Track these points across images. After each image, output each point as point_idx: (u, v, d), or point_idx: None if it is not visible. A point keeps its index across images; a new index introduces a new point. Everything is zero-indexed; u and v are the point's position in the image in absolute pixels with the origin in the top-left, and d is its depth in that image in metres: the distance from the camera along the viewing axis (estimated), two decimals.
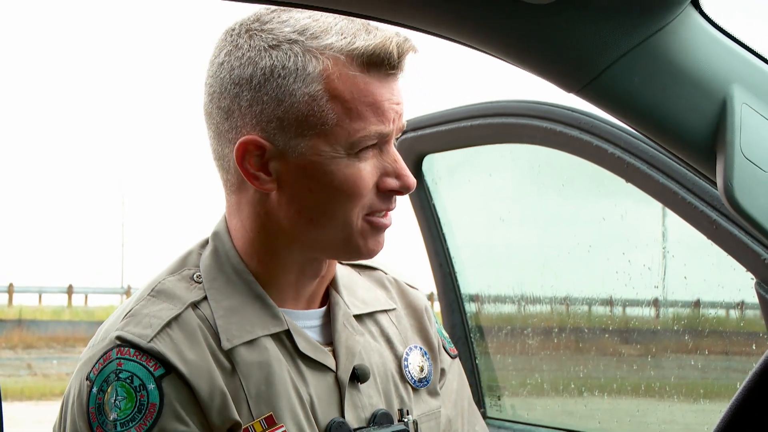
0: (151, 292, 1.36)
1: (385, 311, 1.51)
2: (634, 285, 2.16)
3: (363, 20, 1.29)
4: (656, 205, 1.97)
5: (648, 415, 2.20)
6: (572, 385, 2.40)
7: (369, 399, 1.40)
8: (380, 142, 1.33)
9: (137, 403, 1.26)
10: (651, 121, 1.17)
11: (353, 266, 1.53)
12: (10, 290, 25.07)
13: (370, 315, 1.48)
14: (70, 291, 26.12)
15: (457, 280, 2.52)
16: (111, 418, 1.26)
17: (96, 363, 1.29)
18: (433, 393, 1.50)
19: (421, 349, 1.50)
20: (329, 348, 1.40)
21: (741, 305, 2.02)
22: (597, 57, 1.12)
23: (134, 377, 1.27)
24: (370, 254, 1.39)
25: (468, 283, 2.55)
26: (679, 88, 1.14)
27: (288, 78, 1.29)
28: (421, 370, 1.48)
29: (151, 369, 1.27)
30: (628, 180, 1.91)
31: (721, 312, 2.10)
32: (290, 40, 1.29)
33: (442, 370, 1.54)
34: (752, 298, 1.85)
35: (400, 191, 1.35)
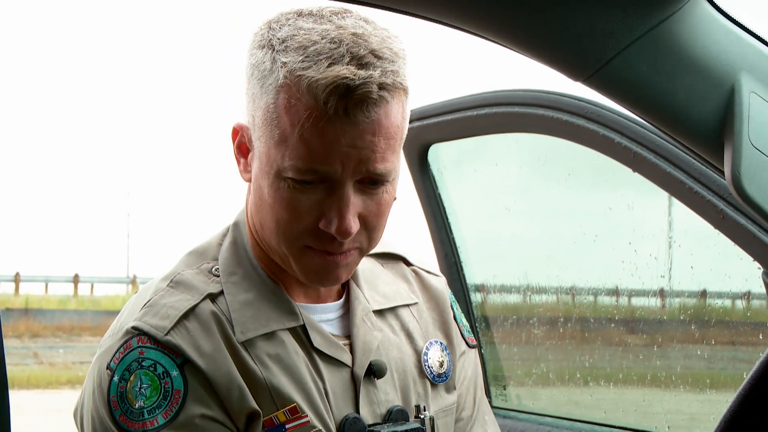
0: (169, 282, 1.35)
1: (407, 305, 1.49)
2: (640, 275, 2.16)
3: (354, 50, 1.22)
4: (663, 195, 1.97)
5: (654, 405, 2.20)
6: (578, 375, 2.40)
7: (385, 395, 1.39)
8: (330, 182, 1.25)
9: (162, 390, 1.27)
10: (658, 109, 1.16)
11: (376, 257, 1.50)
12: (16, 279, 25.14)
13: (391, 309, 1.46)
14: (76, 280, 26.17)
15: (462, 270, 2.52)
16: (136, 406, 1.26)
17: (116, 352, 1.29)
18: (451, 388, 1.49)
19: (441, 344, 1.49)
20: (347, 341, 1.39)
21: (747, 295, 2.01)
22: (604, 45, 1.11)
23: (157, 365, 1.27)
24: (314, 285, 1.36)
25: (473, 272, 2.55)
26: (687, 77, 1.13)
27: (260, 80, 1.27)
28: (441, 365, 1.47)
29: (174, 356, 1.28)
30: (634, 170, 1.90)
31: (728, 302, 2.09)
32: (272, 44, 1.26)
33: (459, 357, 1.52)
34: (759, 288, 1.84)
35: (334, 237, 1.27)
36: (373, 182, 1.27)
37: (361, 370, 1.37)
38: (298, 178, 1.24)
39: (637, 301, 2.31)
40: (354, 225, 1.26)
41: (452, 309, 1.55)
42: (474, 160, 2.52)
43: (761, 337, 2.09)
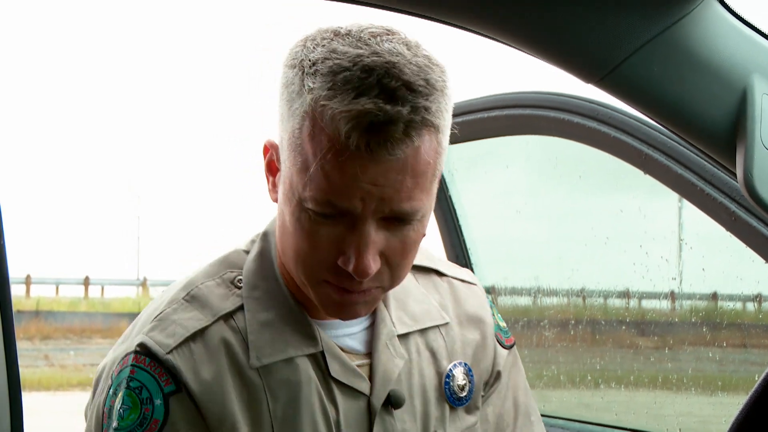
0: (186, 295, 1.29)
1: (436, 326, 1.40)
2: (651, 277, 2.16)
3: (385, 81, 1.12)
4: (674, 197, 1.97)
5: (665, 407, 2.20)
6: (589, 377, 2.40)
7: (402, 424, 1.32)
8: (350, 216, 1.16)
9: (141, 416, 1.22)
10: (670, 111, 1.16)
11: (411, 269, 1.39)
12: (27, 281, 25.21)
13: (418, 330, 1.38)
14: (86, 283, 26.23)
15: (473, 272, 2.52)
16: (112, 426, 1.22)
17: (117, 364, 1.26)
18: (472, 409, 1.41)
19: (465, 365, 1.41)
20: (367, 360, 1.32)
21: (759, 298, 2.01)
22: (617, 47, 1.11)
23: (143, 389, 1.22)
24: (334, 317, 1.28)
25: (484, 275, 2.55)
26: (699, 79, 1.13)
27: (289, 102, 1.19)
28: (462, 389, 1.39)
29: (162, 384, 1.22)
30: (646, 171, 1.90)
31: (739, 305, 2.09)
32: (302, 65, 1.18)
33: (498, 373, 1.45)
34: None
35: (352, 275, 1.18)
36: (398, 219, 1.18)
37: (378, 401, 1.30)
38: (317, 210, 1.16)
39: (648, 303, 2.31)
40: (373, 265, 1.17)
41: (492, 320, 1.46)
42: (485, 162, 2.52)
43: None
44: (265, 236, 1.34)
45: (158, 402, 1.21)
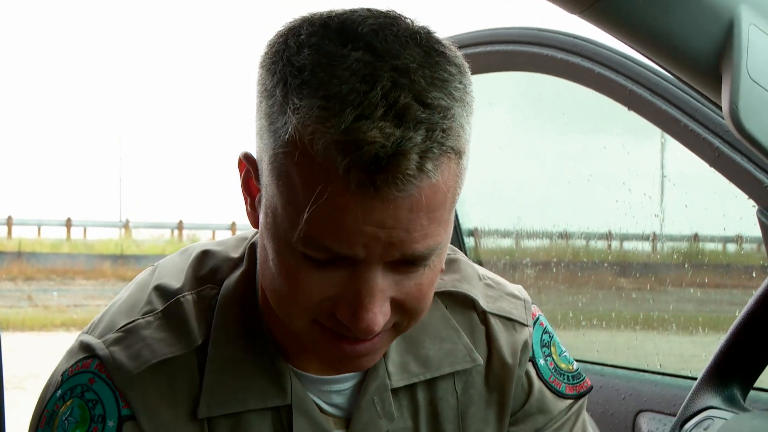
0: (167, 305, 1.08)
1: (451, 374, 1.15)
2: (634, 214, 2.16)
3: (392, 96, 0.87)
4: (657, 134, 1.95)
5: (646, 345, 2.21)
6: (570, 316, 2.40)
7: None
8: (350, 261, 0.92)
9: None
10: (655, 43, 1.14)
11: (441, 295, 1.16)
12: (9, 223, 25.16)
13: (425, 381, 1.13)
14: (68, 224, 26.21)
15: (455, 214, 2.51)
16: None
17: (77, 362, 1.05)
18: None
19: None
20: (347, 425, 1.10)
21: (739, 239, 2.01)
22: None
23: (98, 404, 1.02)
24: (332, 368, 1.06)
25: (467, 216, 2.54)
26: (685, 9, 1.11)
27: (269, 117, 0.93)
28: None
29: (122, 404, 1.02)
30: (630, 108, 1.88)
31: (719, 245, 2.10)
32: (284, 74, 0.91)
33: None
34: (750, 231, 1.84)
35: (350, 330, 0.95)
36: (410, 262, 0.94)
37: None
38: (310, 255, 0.92)
39: (630, 243, 2.31)
40: (381, 318, 0.94)
41: (536, 366, 1.21)
42: None
43: (755, 275, 2.09)
44: (252, 251, 1.11)
45: (111, 423, 1.02)
